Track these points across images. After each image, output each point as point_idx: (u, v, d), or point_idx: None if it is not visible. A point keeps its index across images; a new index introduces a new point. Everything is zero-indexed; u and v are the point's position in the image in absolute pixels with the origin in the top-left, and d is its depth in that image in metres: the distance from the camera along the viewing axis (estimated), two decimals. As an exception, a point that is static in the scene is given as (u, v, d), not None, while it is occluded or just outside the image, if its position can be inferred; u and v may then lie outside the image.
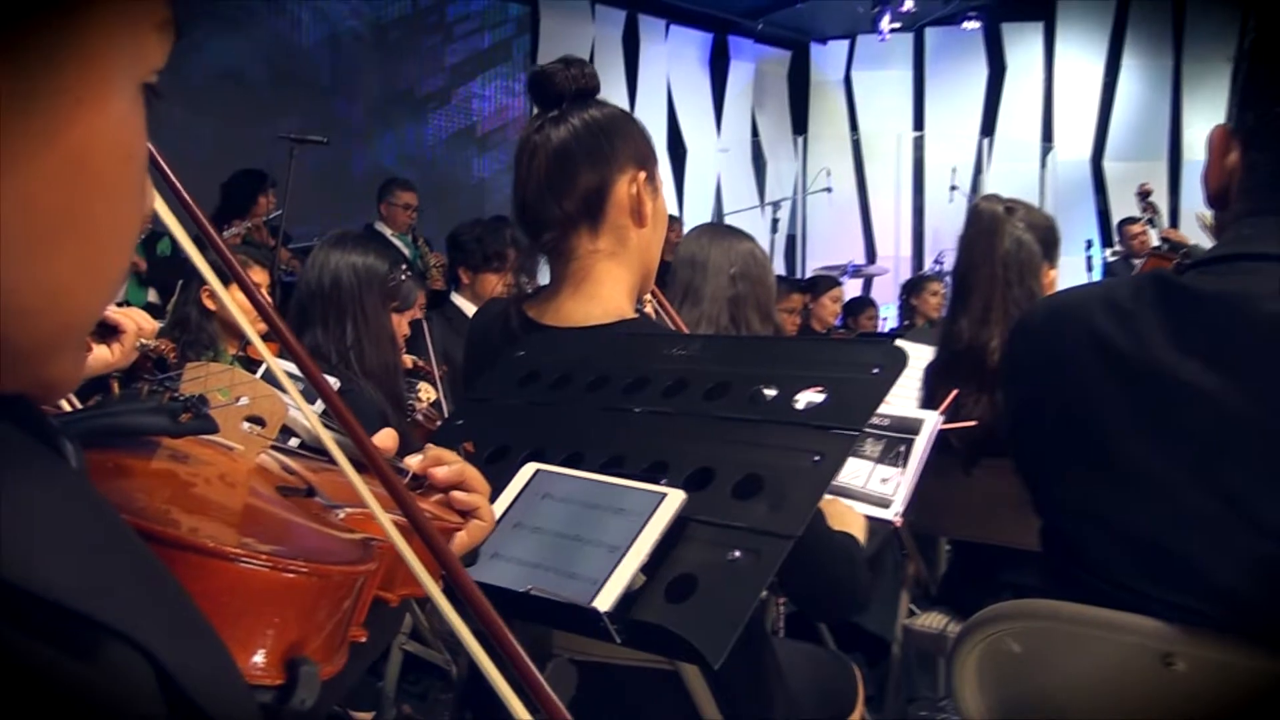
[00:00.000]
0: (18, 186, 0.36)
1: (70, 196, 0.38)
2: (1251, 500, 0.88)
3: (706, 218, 8.54)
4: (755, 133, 9.66)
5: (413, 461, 0.84)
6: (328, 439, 0.75)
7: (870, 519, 1.46)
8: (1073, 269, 7.07)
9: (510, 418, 1.24)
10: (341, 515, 0.72)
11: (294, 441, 0.96)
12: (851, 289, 7.55)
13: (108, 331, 1.48)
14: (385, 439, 0.82)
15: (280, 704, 0.56)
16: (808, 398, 1.07)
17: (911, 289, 6.18)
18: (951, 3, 9.24)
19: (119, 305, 1.58)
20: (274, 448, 0.81)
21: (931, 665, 2.68)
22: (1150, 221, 6.96)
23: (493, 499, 0.89)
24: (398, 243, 5.43)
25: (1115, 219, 8.02)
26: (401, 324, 2.38)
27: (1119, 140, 9.30)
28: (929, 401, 2.20)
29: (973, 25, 9.34)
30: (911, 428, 1.65)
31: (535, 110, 1.44)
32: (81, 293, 0.40)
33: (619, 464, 1.08)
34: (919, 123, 9.58)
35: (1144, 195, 7.05)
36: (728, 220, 7.99)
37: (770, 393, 1.08)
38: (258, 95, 6.86)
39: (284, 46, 7.17)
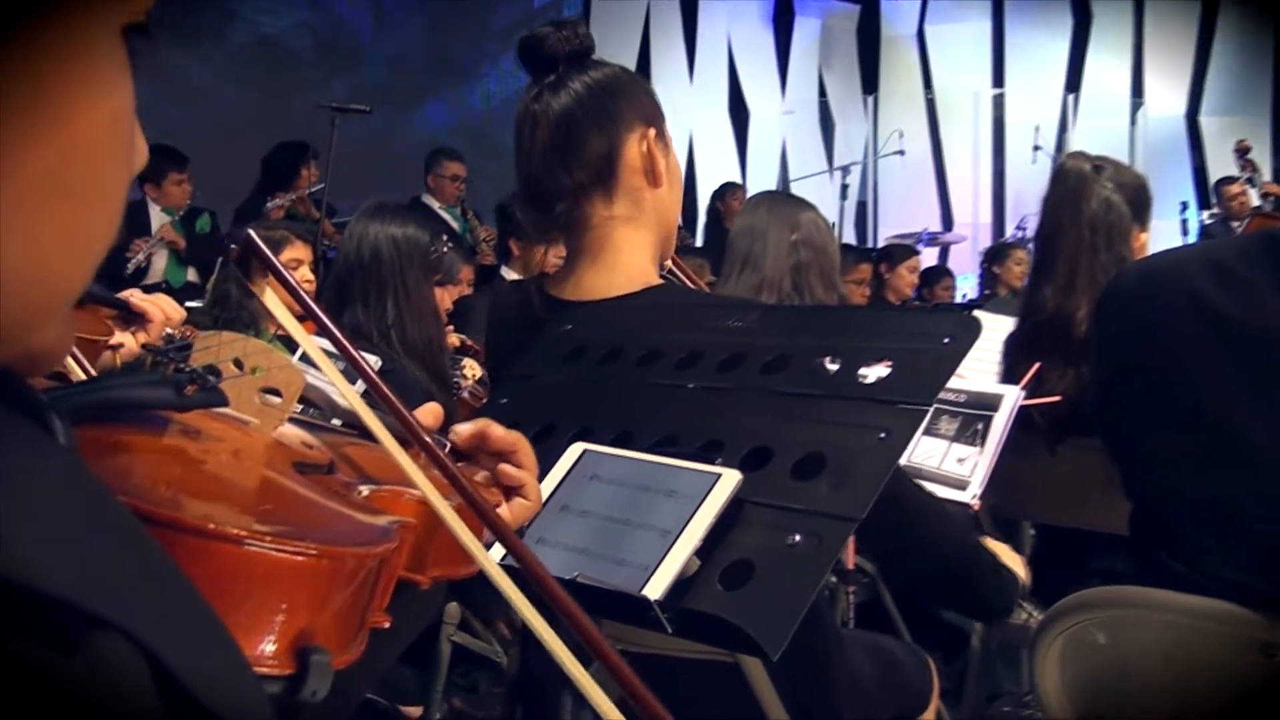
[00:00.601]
0: None
1: (51, 159, 0.36)
2: None
3: (771, 184, 8.35)
4: (822, 93, 9.35)
5: (462, 429, 0.81)
6: (361, 407, 0.72)
7: (947, 501, 1.41)
8: (1166, 233, 6.84)
9: (556, 395, 1.23)
10: (365, 492, 0.70)
11: (335, 422, 0.94)
12: (926, 259, 7.37)
13: (134, 319, 1.47)
14: (428, 414, 0.79)
15: (290, 695, 0.54)
16: (875, 372, 1.02)
17: (994, 256, 6.06)
18: (1033, -51, 8.95)
19: (146, 293, 1.57)
20: (297, 420, 0.78)
21: (1016, 658, 2.62)
22: (1250, 181, 6.69)
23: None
24: (446, 216, 5.34)
25: (1212, 179, 7.72)
26: (445, 298, 2.34)
27: (1216, 94, 8.88)
28: (1009, 376, 2.12)
29: (1056, -28, 9.04)
30: (990, 404, 1.62)
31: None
32: (66, 259, 0.38)
33: (671, 443, 1.06)
34: (998, 79, 9.23)
35: (1243, 153, 6.83)
36: (794, 187, 7.85)
37: (833, 365, 1.05)
38: (298, 63, 6.80)
39: (325, 12, 7.10)
